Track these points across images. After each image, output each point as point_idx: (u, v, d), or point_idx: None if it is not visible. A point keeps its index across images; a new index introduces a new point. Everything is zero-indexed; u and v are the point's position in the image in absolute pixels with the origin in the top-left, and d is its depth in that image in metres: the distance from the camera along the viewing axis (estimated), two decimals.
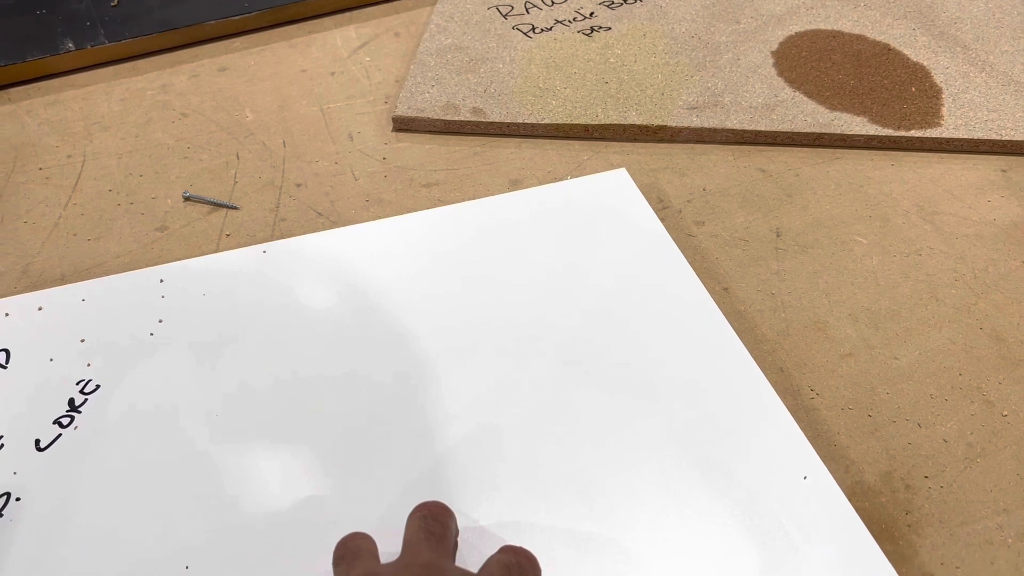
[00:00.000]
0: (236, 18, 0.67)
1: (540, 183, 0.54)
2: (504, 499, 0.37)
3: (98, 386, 0.42)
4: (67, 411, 0.41)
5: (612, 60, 0.62)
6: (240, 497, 0.37)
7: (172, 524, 0.36)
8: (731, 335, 0.43)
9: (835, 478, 0.37)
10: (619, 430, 0.39)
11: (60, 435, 0.40)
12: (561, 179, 0.54)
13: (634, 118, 0.57)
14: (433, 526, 0.32)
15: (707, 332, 0.43)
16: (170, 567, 0.35)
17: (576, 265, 0.47)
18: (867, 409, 0.41)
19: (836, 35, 0.64)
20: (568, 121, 0.57)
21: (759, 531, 0.36)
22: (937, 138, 0.55)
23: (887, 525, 0.37)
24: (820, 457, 0.38)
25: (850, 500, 0.37)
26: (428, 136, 0.58)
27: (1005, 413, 0.41)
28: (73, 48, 0.64)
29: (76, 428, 0.40)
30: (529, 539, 0.36)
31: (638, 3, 0.68)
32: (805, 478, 0.37)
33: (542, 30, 0.66)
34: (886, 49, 0.62)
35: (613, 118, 0.57)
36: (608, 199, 0.51)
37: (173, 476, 0.38)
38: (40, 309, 0.45)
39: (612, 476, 0.38)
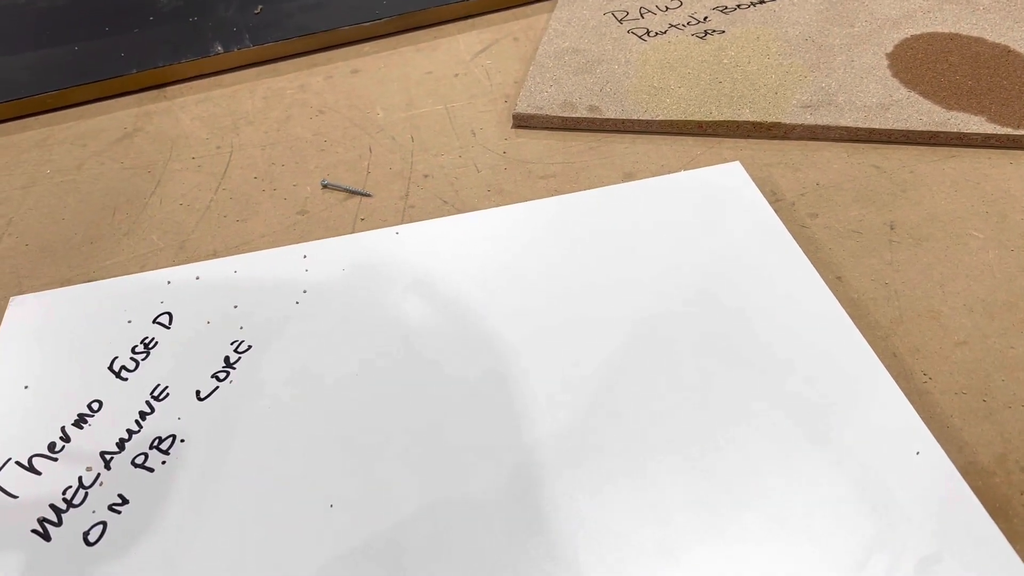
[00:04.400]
0: (368, 24, 0.72)
1: (654, 176, 0.56)
2: (624, 475, 0.39)
3: (250, 346, 0.46)
4: (223, 367, 0.45)
5: (726, 61, 0.64)
6: (375, 445, 0.41)
7: (317, 467, 0.40)
8: (846, 320, 0.44)
9: (948, 458, 0.38)
10: (739, 411, 0.41)
11: (217, 387, 0.44)
12: (674, 172, 0.56)
13: (748, 115, 0.58)
14: None
15: (822, 317, 0.45)
16: (316, 505, 0.39)
17: (691, 253, 0.49)
18: (982, 395, 0.42)
19: (953, 38, 0.64)
20: (682, 118, 0.59)
21: (873, 502, 0.37)
22: None
23: (1001, 504, 0.38)
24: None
25: (963, 479, 0.38)
26: (546, 132, 0.61)
27: None
28: (222, 51, 0.69)
29: (231, 382, 0.44)
30: (647, 509, 0.38)
31: (752, 8, 0.70)
32: (918, 454, 0.38)
33: (656, 34, 0.68)
34: (1006, 51, 0.62)
35: (727, 115, 0.59)
36: (722, 190, 0.53)
37: (317, 426, 0.42)
38: (198, 279, 0.50)
39: (734, 453, 0.39)
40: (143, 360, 0.46)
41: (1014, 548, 0.35)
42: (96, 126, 0.66)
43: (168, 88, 0.69)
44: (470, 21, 0.74)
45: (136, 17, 0.74)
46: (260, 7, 0.74)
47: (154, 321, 0.48)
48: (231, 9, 0.74)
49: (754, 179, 0.54)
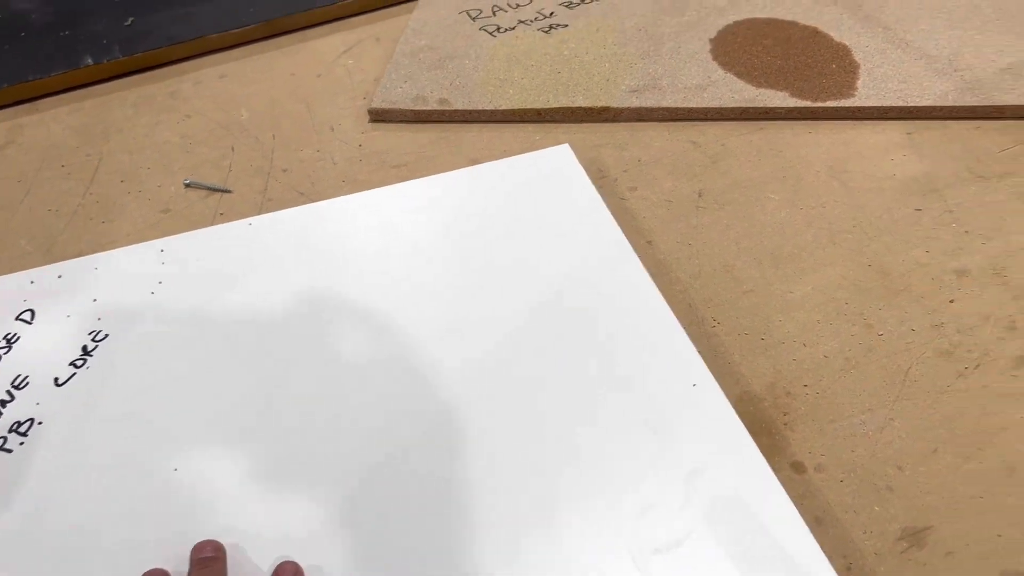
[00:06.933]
0: (235, 31, 0.75)
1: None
2: (452, 399, 0.44)
3: (107, 335, 0.49)
4: (80, 355, 0.48)
5: (566, 53, 0.69)
6: (223, 415, 0.45)
7: (167, 439, 0.44)
8: (646, 278, 0.49)
9: (725, 389, 0.44)
10: (551, 358, 0.46)
11: (75, 374, 0.47)
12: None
13: (581, 101, 0.64)
14: None
15: (627, 279, 0.50)
16: (162, 470, 0.42)
17: (520, 227, 0.54)
18: (760, 334, 0.47)
19: (770, 22, 0.70)
20: (522, 106, 0.64)
21: (654, 426, 0.42)
22: (850, 107, 0.61)
23: (766, 424, 0.43)
24: (714, 374, 0.44)
25: (737, 407, 0.43)
26: (400, 125, 0.66)
27: (881, 333, 0.47)
28: (92, 63, 0.72)
29: (88, 368, 0.48)
30: (470, 458, 0.42)
31: (594, 2, 0.75)
32: (694, 385, 0.43)
33: (506, 30, 0.73)
34: (814, 32, 0.68)
35: (563, 102, 0.64)
36: (551, 171, 0.58)
37: (169, 402, 0.46)
38: (60, 277, 0.53)
39: (540, 393, 0.44)
40: (5, 354, 0.49)
41: (772, 461, 0.41)
42: None
43: (40, 101, 0.72)
44: (334, 24, 0.78)
45: (7, 32, 0.76)
46: (131, 19, 0.77)
47: (17, 318, 0.51)
48: (102, 22, 0.77)
49: (584, 159, 0.59)
